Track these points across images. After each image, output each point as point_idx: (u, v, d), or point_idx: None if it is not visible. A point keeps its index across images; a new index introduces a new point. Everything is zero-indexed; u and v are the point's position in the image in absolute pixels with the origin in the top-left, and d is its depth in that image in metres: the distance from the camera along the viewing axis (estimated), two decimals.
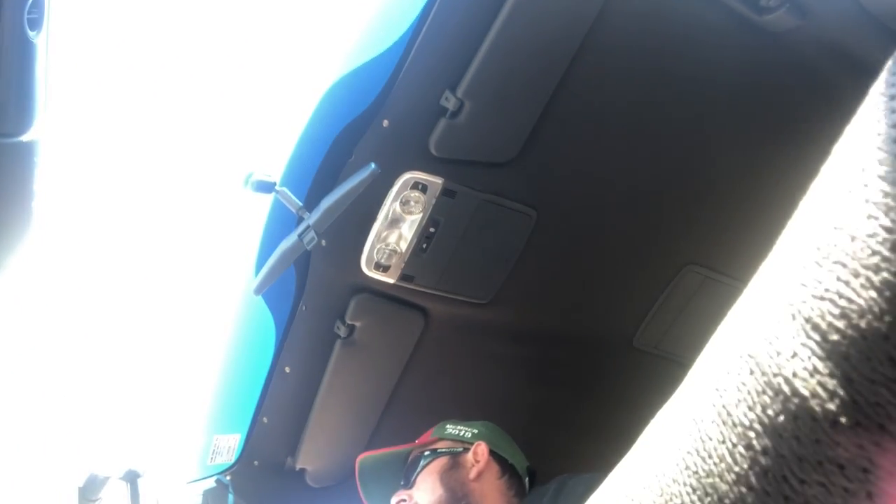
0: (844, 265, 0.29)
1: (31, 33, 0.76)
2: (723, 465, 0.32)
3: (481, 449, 1.39)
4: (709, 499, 0.33)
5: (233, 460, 1.57)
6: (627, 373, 1.76)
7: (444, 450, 1.41)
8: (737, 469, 0.31)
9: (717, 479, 0.32)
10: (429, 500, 1.33)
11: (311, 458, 1.62)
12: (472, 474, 1.36)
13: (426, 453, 1.41)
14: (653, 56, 1.19)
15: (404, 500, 1.36)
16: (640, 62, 1.20)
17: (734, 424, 0.32)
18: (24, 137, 0.79)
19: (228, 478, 1.58)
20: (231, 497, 1.55)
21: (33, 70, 0.78)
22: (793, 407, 0.29)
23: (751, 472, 0.31)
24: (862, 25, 1.12)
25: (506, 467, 1.41)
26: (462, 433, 1.44)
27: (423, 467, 1.39)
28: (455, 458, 1.39)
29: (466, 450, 1.41)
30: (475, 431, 1.45)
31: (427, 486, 1.36)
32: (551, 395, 1.77)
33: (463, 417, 1.55)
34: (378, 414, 1.61)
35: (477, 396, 1.69)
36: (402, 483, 1.42)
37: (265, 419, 1.54)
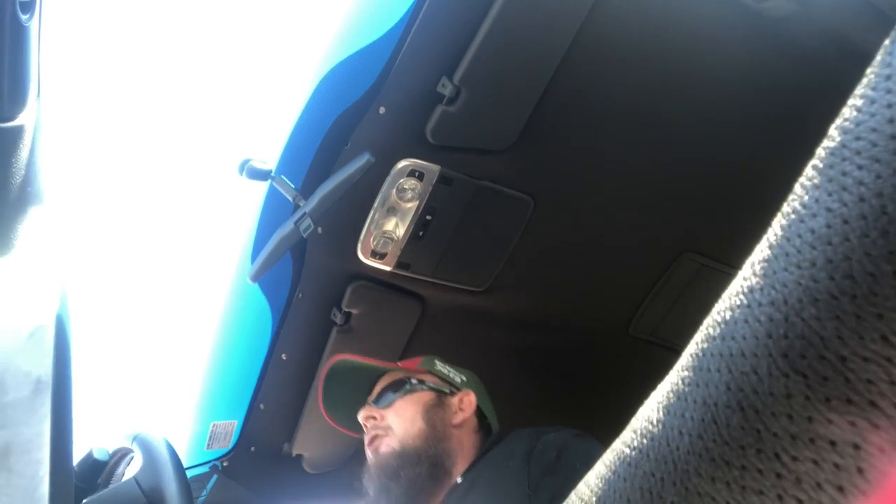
0: (836, 247, 0.29)
1: (23, 17, 0.75)
2: (715, 445, 0.32)
3: (469, 399, 1.33)
4: (701, 478, 0.33)
5: (230, 446, 1.58)
6: (623, 360, 1.77)
7: (431, 384, 1.34)
8: (729, 448, 0.32)
9: (710, 459, 0.33)
10: (405, 428, 1.26)
11: (307, 445, 1.63)
12: (456, 419, 1.29)
13: (413, 381, 1.33)
14: (650, 43, 1.19)
15: (374, 419, 1.29)
16: (637, 49, 1.19)
17: (726, 405, 0.32)
18: (17, 122, 0.78)
19: (225, 464, 1.59)
20: (215, 478, 1.55)
21: (26, 55, 0.77)
22: (786, 385, 0.29)
23: (743, 451, 0.31)
24: (860, 11, 1.12)
25: (483, 424, 1.35)
26: (451, 375, 1.37)
27: (407, 394, 1.31)
28: (441, 398, 1.32)
29: (452, 393, 1.34)
30: (464, 378, 1.39)
31: (407, 414, 1.28)
32: (547, 382, 1.78)
33: None
34: None
35: None
36: (373, 399, 1.34)
37: (262, 406, 1.54)
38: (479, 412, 1.35)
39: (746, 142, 1.40)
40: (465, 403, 1.32)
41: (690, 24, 1.17)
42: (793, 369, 0.29)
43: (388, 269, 1.38)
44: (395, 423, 1.27)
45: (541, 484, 1.09)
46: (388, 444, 1.25)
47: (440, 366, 1.39)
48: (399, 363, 1.41)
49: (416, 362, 1.40)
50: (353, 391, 1.38)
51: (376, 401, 1.33)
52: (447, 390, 1.35)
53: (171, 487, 1.02)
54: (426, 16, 1.10)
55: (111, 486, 1.14)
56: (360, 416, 1.31)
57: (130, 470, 1.57)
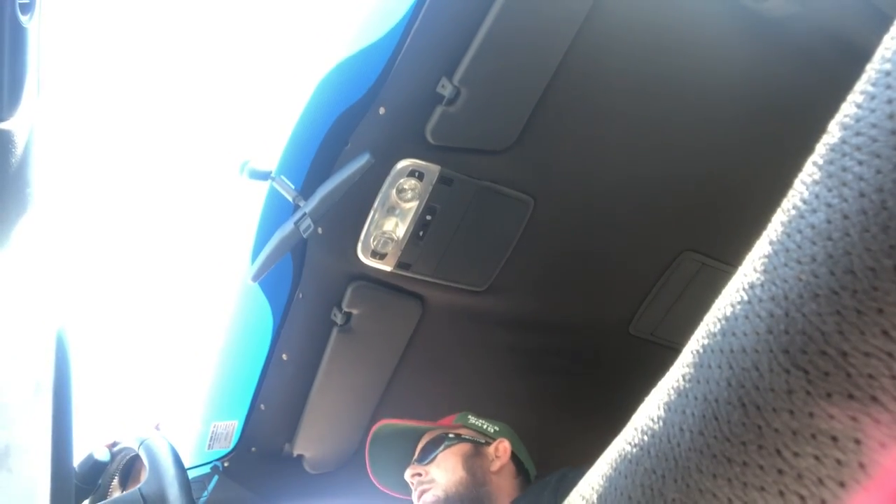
0: (836, 242, 0.29)
1: (22, 18, 0.75)
2: (716, 441, 0.32)
3: (504, 446, 1.42)
4: (702, 474, 0.33)
5: (230, 447, 1.58)
6: (624, 360, 1.77)
7: (467, 437, 1.44)
8: (730, 444, 0.31)
9: (711, 455, 0.33)
10: (448, 479, 1.35)
11: (308, 445, 1.63)
12: (494, 467, 1.39)
13: (451, 435, 1.43)
14: (650, 43, 1.19)
15: (420, 475, 1.38)
16: (637, 49, 1.19)
17: (727, 401, 0.32)
18: (16, 122, 0.78)
19: (226, 465, 1.59)
20: (216, 478, 1.55)
21: (25, 56, 0.77)
22: (787, 381, 0.29)
23: (745, 447, 0.31)
24: (860, 11, 1.12)
25: (521, 470, 1.44)
26: (485, 426, 1.48)
27: (446, 448, 1.41)
28: (477, 448, 1.42)
29: (488, 443, 1.44)
30: (497, 428, 1.48)
31: (448, 465, 1.37)
32: (548, 382, 1.78)
33: (459, 403, 1.56)
34: (375, 401, 1.62)
35: (474, 384, 1.70)
36: (416, 458, 1.44)
37: (262, 406, 1.54)
38: (516, 458, 1.44)
39: (746, 141, 1.40)
40: (501, 451, 1.42)
41: (690, 25, 1.17)
42: (794, 365, 0.29)
43: (388, 269, 1.38)
44: (438, 476, 1.37)
45: None
46: (434, 494, 1.35)
47: (473, 419, 1.49)
48: (437, 422, 1.50)
49: (451, 419, 1.51)
50: (398, 455, 1.48)
51: (419, 459, 1.43)
52: (483, 441, 1.44)
53: None
54: (426, 16, 1.10)
55: (115, 497, 1.14)
56: (407, 475, 1.41)
57: (133, 474, 1.57)
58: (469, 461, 1.38)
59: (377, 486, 1.52)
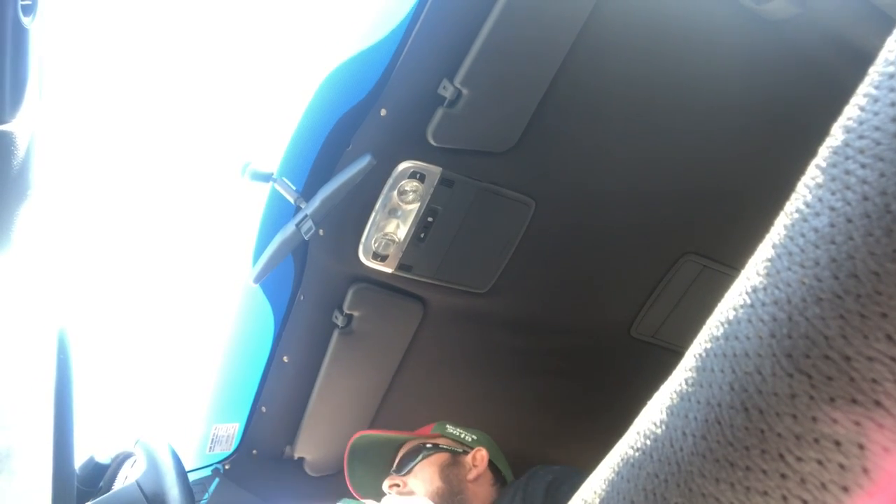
0: (839, 246, 0.29)
1: (25, 19, 0.75)
2: (719, 445, 0.32)
3: (482, 454, 1.43)
4: (705, 479, 0.33)
5: (231, 449, 1.58)
6: (625, 362, 1.76)
7: (445, 446, 1.44)
8: (733, 449, 0.31)
9: (714, 460, 0.32)
10: (425, 489, 1.36)
11: (309, 448, 1.63)
12: (471, 475, 1.39)
13: (428, 445, 1.44)
14: (651, 45, 1.19)
15: (398, 485, 1.39)
16: (638, 51, 1.19)
17: (730, 405, 0.32)
18: (18, 124, 0.78)
19: (227, 467, 1.59)
20: (217, 481, 1.55)
21: (28, 57, 0.77)
22: (790, 385, 0.29)
23: (748, 452, 0.31)
24: (861, 13, 1.12)
25: (498, 477, 1.45)
26: (463, 436, 1.48)
27: (424, 458, 1.41)
28: (455, 457, 1.43)
29: (466, 452, 1.44)
30: (475, 437, 1.49)
31: (425, 475, 1.38)
32: (549, 384, 1.77)
33: (460, 405, 1.56)
34: (376, 403, 1.62)
35: (475, 386, 1.70)
36: (394, 469, 1.45)
37: (264, 408, 1.54)
38: (494, 466, 1.45)
39: (747, 143, 1.40)
40: (478, 459, 1.43)
41: (692, 27, 1.17)
42: (797, 369, 0.29)
43: (389, 270, 1.38)
44: (415, 486, 1.38)
45: None
46: None
47: (451, 428, 1.50)
48: (414, 432, 1.51)
49: (429, 428, 1.52)
50: (376, 466, 1.48)
51: (397, 469, 1.44)
52: (460, 450, 1.45)
53: (174, 492, 1.02)
54: (427, 18, 1.10)
55: (113, 490, 1.14)
56: (385, 486, 1.41)
57: (133, 473, 1.58)
58: (446, 471, 1.39)
59: (356, 497, 1.52)
